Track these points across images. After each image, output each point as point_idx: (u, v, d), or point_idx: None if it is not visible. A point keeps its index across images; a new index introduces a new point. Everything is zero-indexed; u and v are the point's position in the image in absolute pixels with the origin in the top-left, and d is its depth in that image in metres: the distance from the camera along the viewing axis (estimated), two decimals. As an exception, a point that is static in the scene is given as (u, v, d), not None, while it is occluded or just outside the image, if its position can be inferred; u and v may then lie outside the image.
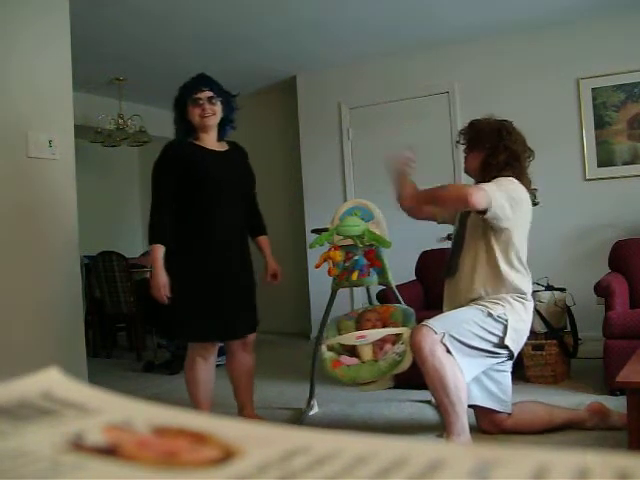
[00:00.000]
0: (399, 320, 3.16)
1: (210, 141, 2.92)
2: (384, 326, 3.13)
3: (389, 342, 2.95)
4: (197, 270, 2.84)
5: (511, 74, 5.24)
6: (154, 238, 2.78)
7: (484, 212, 2.54)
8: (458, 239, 2.82)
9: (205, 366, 2.94)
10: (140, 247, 7.39)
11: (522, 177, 2.74)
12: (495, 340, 2.63)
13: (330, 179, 5.96)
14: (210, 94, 2.88)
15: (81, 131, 5.04)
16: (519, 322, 2.68)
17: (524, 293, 2.72)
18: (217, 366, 3.11)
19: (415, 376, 3.43)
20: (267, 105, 6.60)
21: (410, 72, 5.61)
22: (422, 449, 0.25)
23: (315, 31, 4.98)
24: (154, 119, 6.61)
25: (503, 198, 2.56)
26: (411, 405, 3.48)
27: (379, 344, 2.93)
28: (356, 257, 3.19)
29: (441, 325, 2.56)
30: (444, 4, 4.58)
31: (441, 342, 2.51)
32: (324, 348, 2.97)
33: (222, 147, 2.97)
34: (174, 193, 2.81)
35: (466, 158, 2.86)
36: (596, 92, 4.96)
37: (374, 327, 3.08)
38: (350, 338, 2.99)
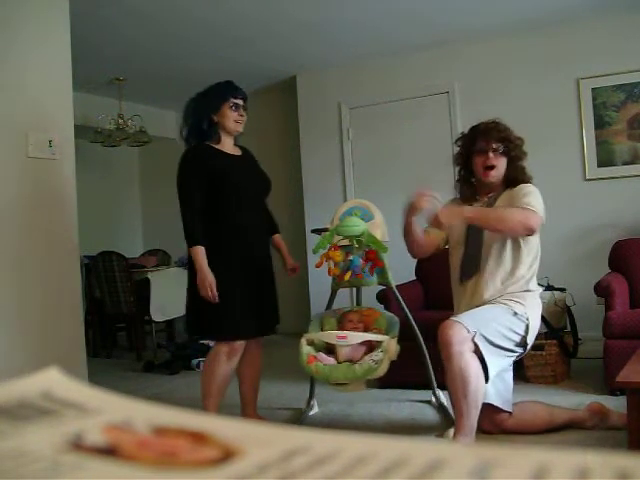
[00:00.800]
0: (382, 327, 3.16)
1: (230, 146, 3.02)
2: (366, 330, 3.12)
3: (367, 347, 2.94)
4: (230, 270, 2.90)
5: (511, 74, 5.23)
6: (193, 240, 2.84)
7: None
8: (475, 242, 2.80)
9: (227, 365, 2.97)
10: (140, 247, 7.39)
11: (528, 175, 2.83)
12: (518, 339, 2.66)
13: (330, 179, 5.96)
14: (243, 103, 3.00)
15: (81, 131, 5.04)
16: (536, 320, 2.74)
17: (537, 292, 2.80)
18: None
19: (415, 376, 3.44)
20: (267, 105, 6.59)
21: (410, 72, 5.61)
22: (422, 449, 0.25)
23: (315, 31, 4.98)
24: (154, 119, 6.61)
25: (543, 213, 2.66)
26: (411, 405, 3.48)
27: (357, 347, 2.93)
28: (351, 257, 3.19)
29: (473, 323, 2.55)
30: (444, 4, 4.57)
31: (472, 341, 2.51)
32: (303, 341, 2.97)
33: (237, 152, 3.05)
34: (201, 196, 2.88)
35: (496, 163, 2.77)
36: (596, 92, 4.96)
37: (354, 329, 3.07)
38: (331, 336, 2.99)
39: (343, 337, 2.93)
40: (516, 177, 2.79)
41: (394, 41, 5.32)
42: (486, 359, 2.53)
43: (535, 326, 2.74)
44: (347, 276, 3.20)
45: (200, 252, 2.81)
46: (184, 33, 4.85)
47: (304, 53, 5.51)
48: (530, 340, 2.70)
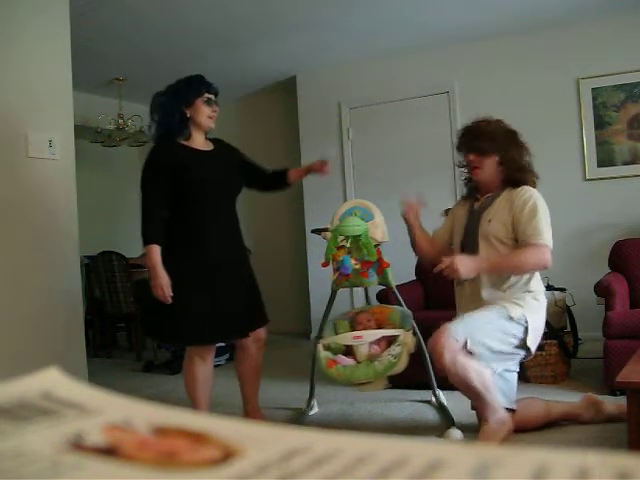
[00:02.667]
0: (396, 321, 3.16)
1: (200, 141, 2.93)
2: (380, 327, 3.13)
3: (385, 343, 2.94)
4: (189, 271, 2.81)
5: (511, 74, 5.24)
6: (146, 239, 2.77)
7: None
8: (470, 243, 2.79)
9: (203, 366, 2.93)
10: (140, 247, 7.38)
11: (531, 175, 2.78)
12: (516, 342, 2.65)
13: (330, 179, 5.96)
14: (215, 98, 2.93)
15: (81, 131, 5.04)
16: (537, 321, 2.71)
17: (540, 292, 2.77)
18: (215, 366, 3.11)
19: (415, 376, 3.43)
20: (267, 105, 6.60)
21: (410, 72, 5.61)
22: (422, 449, 0.25)
23: (315, 32, 4.98)
24: (154, 119, 6.61)
25: (550, 233, 2.67)
26: (411, 405, 3.48)
27: (375, 345, 2.93)
28: (341, 257, 3.21)
29: (463, 329, 2.55)
30: (444, 4, 4.57)
31: (463, 348, 2.51)
32: (320, 347, 2.97)
33: (208, 146, 2.96)
34: (166, 194, 2.80)
35: (478, 166, 2.75)
36: (596, 92, 4.96)
37: (366, 329, 3.08)
38: (347, 338, 2.99)
39: (359, 337, 2.94)
40: (514, 176, 2.74)
41: (394, 41, 5.32)
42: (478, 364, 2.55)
43: (537, 328, 2.71)
44: (334, 276, 3.23)
45: (153, 250, 2.73)
46: (184, 33, 4.85)
47: (304, 53, 5.51)
48: (532, 342, 2.68)
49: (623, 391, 2.61)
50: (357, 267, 3.22)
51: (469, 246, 2.79)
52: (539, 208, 2.67)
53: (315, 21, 4.77)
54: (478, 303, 2.73)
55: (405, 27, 5.02)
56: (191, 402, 2.95)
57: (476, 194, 2.90)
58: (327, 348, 3.00)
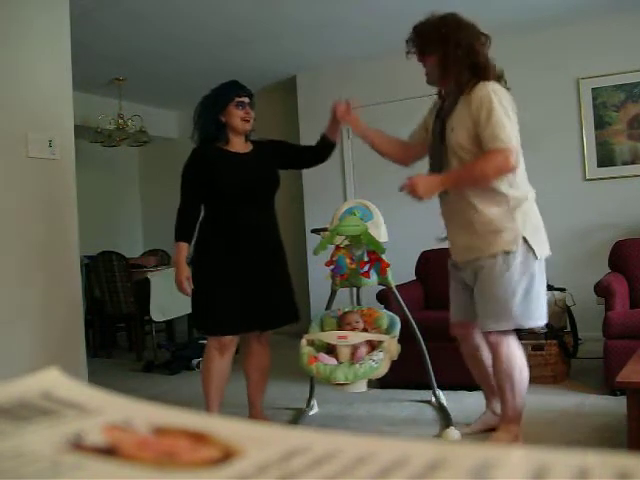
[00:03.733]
0: (383, 326, 3.16)
1: (239, 144, 3.01)
2: (367, 330, 3.12)
3: (368, 347, 2.94)
4: (214, 268, 2.94)
5: (511, 74, 5.21)
6: (176, 236, 2.96)
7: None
8: (437, 156, 2.64)
9: (220, 360, 2.98)
10: (140, 247, 7.39)
11: (490, 69, 2.59)
12: (529, 263, 2.57)
13: (330, 179, 5.96)
14: (249, 100, 3.01)
15: (81, 131, 5.04)
16: (533, 226, 2.60)
17: (525, 196, 2.59)
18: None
19: (415, 376, 3.44)
20: (267, 105, 6.59)
21: (410, 72, 5.59)
22: (422, 449, 0.25)
23: (315, 31, 4.98)
24: (154, 119, 6.61)
25: (515, 129, 2.49)
26: (411, 405, 3.48)
27: (361, 348, 2.93)
28: (335, 257, 3.23)
29: (506, 321, 2.55)
30: (444, 4, 4.57)
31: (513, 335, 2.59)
32: (303, 342, 2.97)
33: (247, 148, 3.04)
34: (201, 195, 2.96)
35: (425, 68, 2.68)
36: (596, 92, 4.96)
37: (353, 329, 3.07)
38: (331, 336, 2.99)
39: (344, 337, 2.93)
40: (463, 76, 2.54)
41: (394, 41, 5.31)
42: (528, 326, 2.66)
43: (537, 228, 2.61)
44: (327, 276, 3.27)
45: (179, 248, 2.93)
46: (184, 33, 4.85)
47: (304, 53, 5.51)
48: (540, 248, 2.59)
49: (623, 391, 2.61)
50: (353, 267, 3.22)
51: (436, 158, 2.65)
52: (494, 106, 2.46)
53: (315, 21, 4.76)
54: (462, 217, 2.60)
55: (405, 27, 5.01)
56: (204, 393, 3.02)
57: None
58: (311, 344, 3.00)
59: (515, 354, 2.60)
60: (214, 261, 2.94)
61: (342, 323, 3.17)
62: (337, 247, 3.24)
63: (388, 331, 3.09)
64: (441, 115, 2.68)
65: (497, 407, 2.82)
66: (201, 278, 2.95)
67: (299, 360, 2.94)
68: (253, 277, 2.94)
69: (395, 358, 2.93)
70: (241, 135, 3.01)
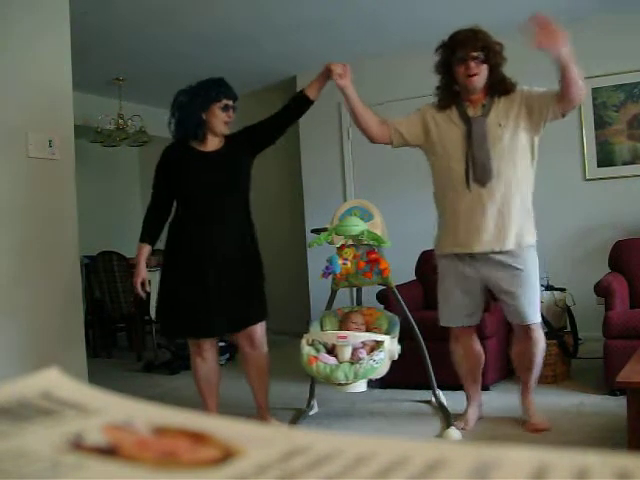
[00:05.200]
0: (383, 327, 3.16)
1: (213, 143, 2.98)
2: (367, 330, 3.12)
3: (368, 347, 2.94)
4: (177, 269, 2.94)
5: (511, 74, 5.22)
6: (140, 237, 3.05)
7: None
8: (482, 141, 2.78)
9: (203, 364, 2.98)
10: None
11: (512, 82, 2.92)
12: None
13: (330, 179, 5.96)
14: (234, 104, 2.98)
15: (81, 131, 5.04)
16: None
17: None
18: (221, 365, 3.13)
19: (415, 376, 3.44)
20: (267, 105, 6.56)
21: (410, 72, 5.61)
22: (422, 449, 0.25)
23: (315, 31, 4.98)
24: (154, 119, 6.60)
25: None
26: (411, 405, 3.48)
27: (362, 349, 2.93)
28: (328, 257, 3.24)
29: (539, 312, 2.87)
30: (444, 4, 4.58)
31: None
32: (304, 342, 2.97)
33: (219, 145, 2.99)
34: (167, 196, 2.99)
35: (480, 71, 2.81)
36: (596, 92, 4.96)
37: (357, 330, 3.07)
38: (332, 336, 2.99)
39: (344, 337, 2.94)
40: (499, 84, 2.84)
41: (394, 41, 5.32)
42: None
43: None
44: (320, 276, 3.29)
45: (139, 249, 3.01)
46: (184, 33, 4.85)
47: (304, 53, 5.51)
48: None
49: (623, 391, 2.61)
50: (348, 266, 3.23)
51: (480, 150, 2.78)
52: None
53: (315, 21, 4.77)
54: (504, 209, 2.77)
55: (405, 27, 5.02)
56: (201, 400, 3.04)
57: (458, 100, 2.88)
58: (311, 343, 3.00)
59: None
60: (175, 262, 2.95)
61: (345, 322, 3.17)
62: (342, 247, 3.25)
63: (388, 331, 3.09)
64: (471, 115, 2.84)
65: (480, 399, 3.14)
66: (163, 280, 2.99)
67: (299, 360, 2.94)
68: (220, 278, 2.88)
69: (395, 358, 2.94)
70: (218, 136, 2.98)
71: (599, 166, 4.96)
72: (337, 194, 5.85)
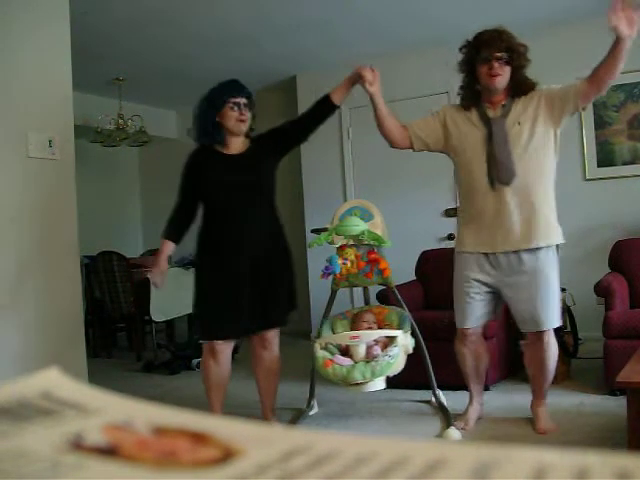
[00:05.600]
0: (394, 322, 3.17)
1: (236, 145, 2.98)
2: (379, 327, 3.13)
3: (382, 344, 2.95)
4: (206, 271, 2.97)
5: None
6: (163, 233, 3.06)
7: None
8: (504, 142, 2.79)
9: (215, 366, 2.98)
10: (140, 247, 7.39)
11: (534, 82, 2.89)
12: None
13: (330, 179, 5.96)
14: (246, 101, 2.96)
15: (81, 131, 5.04)
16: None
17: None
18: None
19: (415, 376, 3.43)
20: (267, 105, 6.59)
21: (410, 72, 5.61)
22: (422, 449, 0.25)
23: (315, 31, 4.98)
24: (154, 119, 6.60)
25: None
26: (411, 405, 3.48)
27: (376, 345, 2.94)
28: (328, 257, 3.24)
29: (559, 316, 2.89)
30: (444, 4, 4.58)
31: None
32: (317, 346, 2.97)
33: (244, 147, 3.00)
34: (193, 198, 3.01)
35: (501, 73, 2.79)
36: (596, 92, 4.96)
37: (370, 329, 3.08)
38: (344, 338, 3.00)
39: (356, 337, 2.94)
40: (522, 85, 2.82)
41: (394, 41, 5.32)
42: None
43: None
44: (320, 277, 3.31)
45: (162, 244, 3.04)
46: (184, 33, 4.85)
47: (304, 53, 5.51)
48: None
49: (623, 391, 2.61)
50: (348, 266, 3.23)
51: (501, 150, 2.78)
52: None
53: (315, 21, 4.77)
54: (526, 207, 2.78)
55: (405, 27, 5.02)
56: (207, 399, 3.04)
57: (479, 100, 2.88)
58: (324, 347, 3.00)
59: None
60: (206, 264, 2.99)
61: (357, 323, 3.17)
62: (342, 247, 3.25)
63: (399, 326, 3.10)
64: (491, 115, 2.85)
65: (481, 399, 3.14)
66: (197, 281, 3.02)
67: (314, 364, 2.95)
68: (247, 281, 2.89)
69: (410, 352, 2.96)
70: (237, 136, 2.97)
71: (599, 166, 4.97)
72: (337, 194, 5.85)
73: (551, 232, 2.78)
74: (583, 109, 2.83)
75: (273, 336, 3.04)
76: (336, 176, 5.94)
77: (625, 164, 4.90)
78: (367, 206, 3.32)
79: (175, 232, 3.04)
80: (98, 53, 5.08)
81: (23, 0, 3.27)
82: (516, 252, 2.77)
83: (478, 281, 2.85)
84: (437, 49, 5.45)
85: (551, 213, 2.81)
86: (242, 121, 2.93)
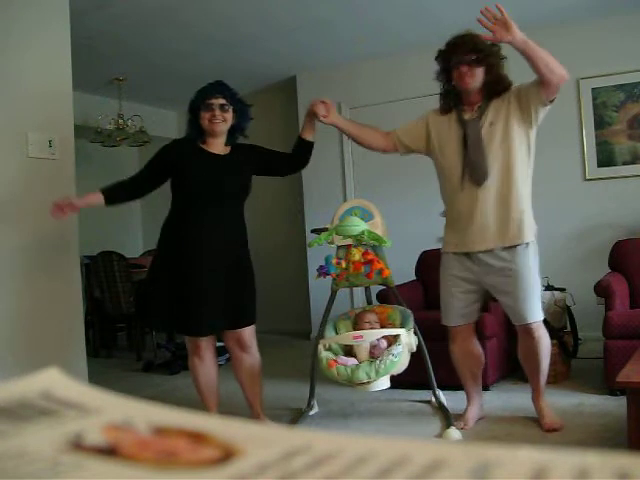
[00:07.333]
0: (397, 321, 3.17)
1: (217, 146, 2.98)
2: (382, 327, 3.14)
3: (386, 343, 2.95)
4: (167, 264, 2.93)
5: (511, 74, 5.22)
6: (102, 188, 3.07)
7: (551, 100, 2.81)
8: (477, 143, 2.83)
9: (200, 363, 2.98)
10: (140, 247, 7.39)
11: (509, 81, 2.95)
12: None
13: (330, 179, 5.96)
14: (223, 101, 2.94)
15: (81, 131, 5.03)
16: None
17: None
18: (220, 365, 3.12)
19: (415, 376, 3.43)
20: (267, 105, 6.59)
21: (410, 72, 5.61)
22: (422, 449, 0.25)
23: (316, 31, 4.98)
24: (154, 119, 6.60)
25: None
26: (411, 405, 3.48)
27: (380, 344, 2.94)
28: (325, 256, 3.25)
29: (540, 309, 2.90)
30: (444, 4, 4.58)
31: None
32: (321, 347, 2.98)
33: (225, 151, 3.00)
34: (154, 178, 3.05)
35: (473, 74, 2.84)
36: (596, 92, 4.96)
37: (372, 328, 3.09)
38: (347, 338, 3.00)
39: (359, 337, 2.95)
40: (497, 84, 2.87)
41: (395, 41, 5.32)
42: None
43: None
44: (316, 277, 3.30)
45: (94, 194, 3.06)
46: (184, 33, 4.85)
47: (305, 53, 5.51)
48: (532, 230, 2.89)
49: (623, 391, 2.61)
50: (344, 266, 3.23)
51: (475, 151, 2.82)
52: None
53: (315, 21, 4.77)
54: (501, 207, 2.81)
55: (405, 27, 5.02)
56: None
57: (458, 105, 2.94)
58: (328, 348, 3.01)
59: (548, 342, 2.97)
60: (167, 257, 2.94)
61: (359, 323, 3.17)
62: (349, 247, 3.25)
63: (402, 324, 3.11)
64: (466, 117, 2.90)
65: (481, 399, 3.14)
66: (154, 271, 3.00)
67: (318, 366, 2.95)
68: (205, 278, 2.87)
69: (414, 350, 2.97)
70: (216, 137, 2.96)
71: (599, 166, 4.97)
72: (337, 194, 5.85)
73: (526, 230, 2.81)
74: (551, 102, 2.84)
75: (247, 336, 2.98)
76: (336, 176, 5.94)
77: (625, 164, 4.90)
78: (367, 206, 3.32)
79: (114, 191, 3.05)
80: (98, 53, 5.08)
81: (23, 0, 3.27)
82: (493, 250, 2.82)
83: (461, 279, 2.92)
84: (437, 49, 5.45)
85: (525, 211, 2.83)
86: (213, 122, 2.91)
